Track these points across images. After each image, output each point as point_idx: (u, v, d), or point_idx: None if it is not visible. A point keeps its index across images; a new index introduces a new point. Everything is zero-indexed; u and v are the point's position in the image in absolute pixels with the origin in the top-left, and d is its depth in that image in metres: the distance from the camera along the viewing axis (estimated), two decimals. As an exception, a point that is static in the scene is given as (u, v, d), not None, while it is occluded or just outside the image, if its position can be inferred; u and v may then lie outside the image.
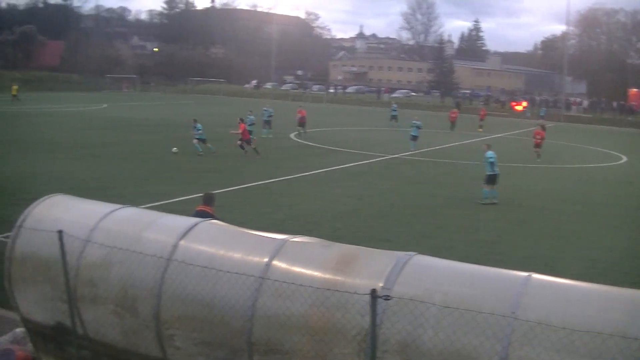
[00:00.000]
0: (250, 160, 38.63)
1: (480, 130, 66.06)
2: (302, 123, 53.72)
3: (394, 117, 68.05)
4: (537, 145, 45.67)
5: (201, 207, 14.46)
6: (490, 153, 29.54)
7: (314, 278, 8.34)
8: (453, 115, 66.86)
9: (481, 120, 70.68)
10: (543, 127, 48.93)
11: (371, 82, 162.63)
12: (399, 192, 30.80)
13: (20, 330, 12.39)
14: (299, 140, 50.05)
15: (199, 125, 41.63)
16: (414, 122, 47.93)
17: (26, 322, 11.07)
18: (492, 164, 29.18)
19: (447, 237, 22.93)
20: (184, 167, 35.61)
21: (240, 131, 40.63)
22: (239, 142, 40.57)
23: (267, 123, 52.90)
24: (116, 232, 10.11)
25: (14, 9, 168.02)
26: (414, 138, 47.18)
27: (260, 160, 38.87)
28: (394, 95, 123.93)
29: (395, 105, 72.39)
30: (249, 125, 45.20)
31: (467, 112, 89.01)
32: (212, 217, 12.95)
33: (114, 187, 28.87)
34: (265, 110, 53.03)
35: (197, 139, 41.17)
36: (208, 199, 14.79)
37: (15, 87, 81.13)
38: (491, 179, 29.14)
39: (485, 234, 23.67)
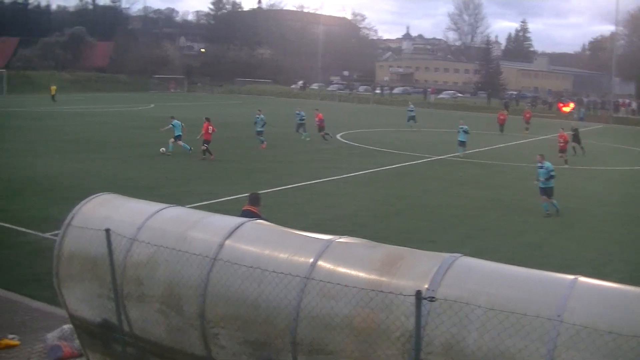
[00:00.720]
0: (290, 161, 38.70)
1: (527, 132, 65.06)
2: (321, 127, 51.31)
3: (411, 118, 65.42)
4: (562, 150, 42.75)
5: (247, 207, 14.49)
6: (549, 164, 27.30)
7: (359, 279, 8.34)
8: (502, 117, 65.53)
9: (527, 122, 68.49)
10: (575, 130, 47.91)
11: (417, 83, 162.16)
12: (445, 193, 30.69)
13: (67, 326, 12.55)
14: (345, 141, 50.01)
15: (174, 122, 41.02)
16: (461, 126, 44.77)
17: (73, 319, 11.18)
18: (552, 177, 27.09)
19: (492, 239, 22.83)
20: (230, 167, 35.80)
21: (202, 132, 39.46)
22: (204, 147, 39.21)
23: (301, 126, 51.77)
24: (162, 231, 10.17)
25: (64, 11, 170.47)
26: (462, 144, 44.44)
27: (305, 160, 38.95)
28: (440, 96, 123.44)
29: (412, 106, 68.79)
30: (261, 126, 45.92)
31: (514, 113, 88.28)
32: (258, 217, 12.98)
33: (160, 187, 29.13)
34: (297, 114, 52.45)
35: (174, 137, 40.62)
36: (254, 199, 14.82)
37: (53, 87, 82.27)
38: (547, 192, 27.02)
39: (531, 236, 23.51)
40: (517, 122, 71.96)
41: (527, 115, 70.48)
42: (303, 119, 52.07)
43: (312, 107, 60.73)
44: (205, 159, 38.38)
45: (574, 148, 47.02)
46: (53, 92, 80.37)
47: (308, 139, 49.96)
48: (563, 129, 45.26)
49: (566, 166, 40.93)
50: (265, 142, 44.85)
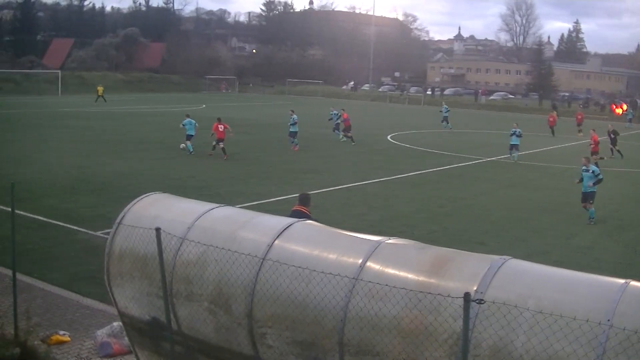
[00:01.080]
0: (343, 161, 38.72)
1: (580, 134, 64.01)
2: (347, 127, 49.98)
3: (445, 119, 64.59)
4: (594, 152, 40.48)
5: (297, 207, 14.54)
6: (596, 168, 26.27)
7: (408, 280, 8.31)
8: (551, 119, 64.63)
9: (579, 124, 66.82)
10: (614, 132, 47.22)
11: (469, 84, 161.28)
12: (495, 195, 30.49)
13: (117, 324, 12.68)
14: (395, 142, 49.88)
15: (186, 121, 41.27)
16: (513, 130, 43.22)
17: (123, 317, 11.29)
18: (600, 180, 26.03)
19: (541, 241, 22.61)
20: (280, 168, 35.91)
21: (212, 131, 40.00)
22: (214, 143, 39.81)
23: (338, 126, 51.52)
24: (212, 230, 10.22)
25: (117, 13, 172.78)
26: (515, 147, 42.77)
27: (355, 161, 38.97)
28: (491, 97, 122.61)
29: (446, 107, 67.49)
30: (292, 124, 44.74)
31: (566, 115, 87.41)
32: (308, 217, 13.02)
33: (210, 187, 29.32)
34: (332, 114, 52.21)
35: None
36: (304, 200, 14.87)
37: (100, 88, 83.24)
38: (589, 196, 26.04)
39: (581, 239, 23.26)
40: (568, 124, 71.30)
41: (579, 117, 69.08)
42: (337, 119, 51.77)
43: (354, 107, 60.75)
44: (211, 155, 39.40)
45: (611, 150, 46.44)
46: (100, 93, 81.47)
47: (344, 139, 49.65)
48: (594, 130, 43.75)
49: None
50: (297, 145, 44.21)
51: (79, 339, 13.36)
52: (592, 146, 42.19)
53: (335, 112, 51.43)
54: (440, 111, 66.24)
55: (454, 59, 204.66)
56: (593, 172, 26.04)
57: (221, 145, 39.28)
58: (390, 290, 8.18)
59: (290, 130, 45.11)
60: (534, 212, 27.28)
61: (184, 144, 40.64)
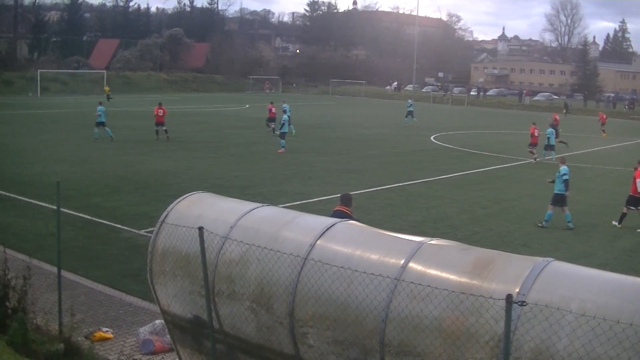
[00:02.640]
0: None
1: (604, 135, 63.10)
2: (271, 118, 51.68)
3: (409, 114, 66.16)
4: (533, 144, 42.85)
5: (339, 208, 14.47)
6: (564, 168, 25.26)
7: (450, 281, 8.28)
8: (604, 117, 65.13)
9: (602, 124, 65.78)
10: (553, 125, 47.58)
11: (513, 85, 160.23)
12: (538, 196, 30.20)
13: (159, 321, 12.79)
14: (438, 143, 49.69)
15: (100, 108, 43.63)
16: (549, 130, 43.57)
17: (165, 314, 11.36)
18: (566, 181, 24.93)
19: (586, 243, 22.42)
20: (323, 167, 35.94)
21: (154, 114, 44.91)
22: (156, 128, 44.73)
23: (409, 113, 52.35)
24: (255, 230, 10.25)
25: (162, 13, 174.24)
26: (551, 147, 42.67)
27: (398, 161, 38.91)
28: (535, 98, 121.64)
29: (410, 101, 70.31)
30: (283, 126, 42.96)
31: (610, 115, 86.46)
32: (350, 217, 12.98)
33: (253, 186, 29.43)
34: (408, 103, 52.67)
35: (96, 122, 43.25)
36: (346, 200, 14.77)
37: (107, 88, 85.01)
38: (559, 200, 24.98)
39: (626, 242, 23.03)
40: (613, 125, 70.54)
41: (603, 117, 67.87)
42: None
43: (398, 107, 60.63)
44: (158, 140, 44.27)
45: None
46: (108, 92, 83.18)
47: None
48: (534, 123, 44.70)
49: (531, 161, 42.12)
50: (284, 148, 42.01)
51: (121, 336, 13.50)
52: (531, 138, 43.38)
53: (410, 101, 51.77)
54: (409, 106, 68.04)
55: (498, 59, 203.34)
56: (560, 171, 25.17)
57: (164, 128, 44.70)
58: (432, 291, 8.16)
59: (282, 131, 43.21)
60: (577, 214, 27.01)
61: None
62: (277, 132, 45.33)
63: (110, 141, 42.04)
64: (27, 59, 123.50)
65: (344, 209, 14.25)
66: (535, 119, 50.65)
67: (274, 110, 52.05)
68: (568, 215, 24.69)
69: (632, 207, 25.42)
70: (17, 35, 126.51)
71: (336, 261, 9.04)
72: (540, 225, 24.60)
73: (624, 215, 25.25)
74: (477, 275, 8.26)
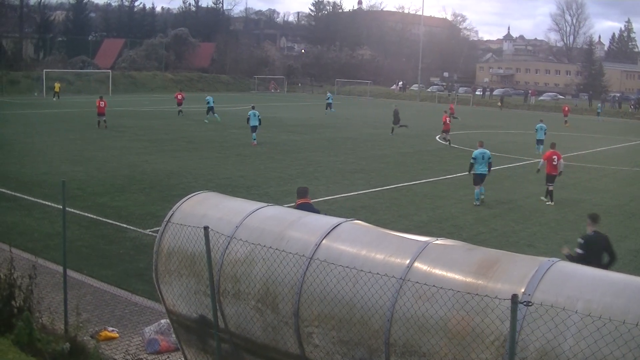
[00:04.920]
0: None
1: (566, 125, 69.43)
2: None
3: (329, 105, 75.22)
4: (446, 130, 49.13)
5: (302, 201, 15.13)
6: (476, 152, 28.85)
7: (455, 281, 8.28)
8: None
9: (565, 116, 74.63)
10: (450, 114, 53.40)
11: (518, 85, 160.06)
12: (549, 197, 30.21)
13: (165, 321, 12.81)
14: (444, 143, 49.64)
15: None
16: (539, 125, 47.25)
17: (171, 314, 11.38)
18: (472, 164, 28.73)
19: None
20: (329, 167, 35.96)
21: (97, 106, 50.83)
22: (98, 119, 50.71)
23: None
24: (260, 229, 10.26)
25: (167, 13, 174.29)
26: (540, 142, 45.81)
27: (404, 161, 38.91)
28: (540, 98, 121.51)
29: (329, 94, 79.90)
30: (255, 118, 45.14)
31: (617, 115, 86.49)
32: (314, 208, 14.22)
33: (258, 186, 29.44)
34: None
35: None
36: (305, 192, 15.57)
37: (57, 85, 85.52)
38: (476, 179, 28.51)
39: (632, 242, 22.97)
40: (619, 124, 70.38)
41: (566, 109, 77.74)
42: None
43: (403, 107, 60.66)
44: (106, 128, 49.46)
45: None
46: (57, 90, 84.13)
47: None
48: (445, 112, 51.77)
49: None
50: (255, 141, 44.81)
51: (127, 336, 13.52)
52: (443, 125, 49.31)
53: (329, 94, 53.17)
54: (329, 98, 77.09)
55: (504, 59, 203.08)
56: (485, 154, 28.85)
57: (103, 119, 50.76)
58: (437, 291, 8.16)
59: (252, 124, 45.39)
60: (583, 214, 26.92)
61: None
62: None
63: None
64: (33, 58, 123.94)
65: (307, 201, 15.15)
66: (542, 118, 50.55)
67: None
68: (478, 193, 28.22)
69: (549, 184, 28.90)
70: (22, 35, 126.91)
71: (341, 261, 9.05)
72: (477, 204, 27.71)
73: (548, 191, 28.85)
74: (483, 275, 8.26)
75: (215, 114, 59.95)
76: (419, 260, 8.75)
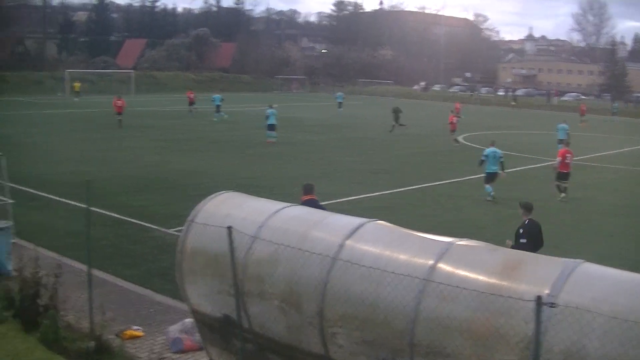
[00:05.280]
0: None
1: (582, 124, 69.20)
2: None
3: (340, 104, 76.46)
4: (452, 131, 49.53)
5: (308, 197, 15.36)
6: (488, 150, 29.64)
7: (479, 282, 8.27)
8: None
9: (582, 115, 74.95)
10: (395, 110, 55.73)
11: (540, 85, 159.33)
12: (568, 197, 30.08)
13: (189, 320, 12.86)
14: (466, 143, 49.53)
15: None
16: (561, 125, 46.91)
17: (195, 313, 11.43)
18: (483, 162, 29.62)
19: (617, 245, 22.23)
20: (350, 168, 35.97)
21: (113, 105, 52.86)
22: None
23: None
24: (284, 229, 10.29)
25: (189, 13, 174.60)
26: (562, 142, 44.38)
27: (426, 162, 38.87)
28: (563, 98, 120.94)
29: (340, 93, 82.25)
30: (267, 118, 45.99)
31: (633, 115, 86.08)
32: (320, 204, 14.48)
33: (281, 186, 29.46)
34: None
35: None
36: (310, 188, 15.85)
37: (77, 84, 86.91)
38: (488, 177, 29.36)
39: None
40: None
41: (582, 109, 78.06)
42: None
43: (425, 107, 60.53)
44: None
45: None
46: (77, 89, 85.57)
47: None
48: (452, 111, 53.48)
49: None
50: (272, 139, 45.42)
51: (151, 334, 13.59)
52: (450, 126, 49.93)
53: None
54: (339, 97, 79.26)
55: (526, 59, 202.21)
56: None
57: (120, 117, 51.92)
58: (461, 292, 8.16)
59: (268, 123, 46.09)
60: (608, 215, 26.89)
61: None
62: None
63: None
64: (56, 59, 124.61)
65: (313, 197, 15.46)
66: (564, 119, 50.31)
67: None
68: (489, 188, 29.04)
69: (560, 181, 29.73)
70: (46, 36, 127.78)
71: (365, 261, 9.06)
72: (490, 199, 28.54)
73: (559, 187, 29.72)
74: (507, 276, 8.25)
75: (222, 113, 61.23)
76: (442, 261, 8.76)
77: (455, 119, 50.25)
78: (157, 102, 77.25)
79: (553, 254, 9.49)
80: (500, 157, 29.40)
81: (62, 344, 11.60)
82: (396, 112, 56.02)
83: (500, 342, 7.82)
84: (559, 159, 30.18)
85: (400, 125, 55.48)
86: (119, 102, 52.50)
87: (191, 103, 65.96)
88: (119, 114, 52.07)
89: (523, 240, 14.93)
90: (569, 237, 22.91)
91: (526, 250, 12.56)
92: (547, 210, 27.27)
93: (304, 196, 15.49)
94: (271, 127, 45.72)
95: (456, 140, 48.92)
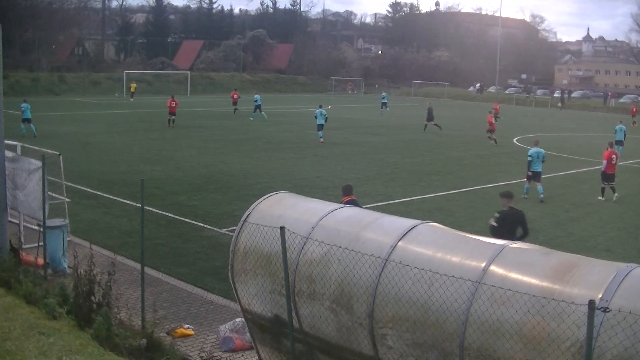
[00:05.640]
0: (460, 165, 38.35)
1: (634, 125, 69.19)
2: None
3: (384, 104, 75.47)
4: (491, 130, 49.37)
5: (348, 198, 15.45)
6: (532, 150, 30.17)
7: (531, 285, 8.20)
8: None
9: (633, 116, 74.22)
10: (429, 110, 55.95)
11: (597, 87, 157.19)
12: (625, 201, 29.67)
13: (239, 320, 12.92)
14: (521, 145, 49.08)
15: (23, 105, 44.88)
16: (618, 126, 46.83)
17: (246, 313, 11.48)
18: (530, 162, 29.77)
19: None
20: (406, 169, 35.89)
21: (168, 105, 53.41)
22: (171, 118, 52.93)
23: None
24: (336, 230, 10.30)
25: (245, 15, 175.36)
26: (619, 143, 45.07)
27: (481, 164, 38.60)
28: (621, 100, 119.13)
29: (384, 94, 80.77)
30: (322, 116, 46.77)
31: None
32: (359, 205, 14.36)
33: (336, 187, 29.38)
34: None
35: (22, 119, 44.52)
36: (350, 189, 15.95)
37: (133, 85, 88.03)
38: (532, 176, 29.77)
39: None
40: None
41: (634, 110, 77.38)
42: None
43: (480, 109, 60.11)
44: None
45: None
46: (133, 90, 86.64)
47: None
48: (490, 112, 53.62)
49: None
50: (321, 139, 46.11)
51: (202, 333, 13.68)
52: (489, 125, 50.00)
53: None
54: (383, 97, 77.26)
55: (582, 60, 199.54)
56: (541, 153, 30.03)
57: (173, 117, 52.92)
58: (513, 295, 8.10)
59: (318, 123, 46.93)
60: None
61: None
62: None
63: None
64: (114, 60, 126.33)
65: (353, 197, 15.58)
66: (622, 119, 49.62)
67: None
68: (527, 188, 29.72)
69: (606, 183, 29.90)
70: (104, 37, 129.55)
71: (417, 263, 9.03)
72: (525, 197, 28.93)
73: (603, 189, 29.91)
74: (559, 279, 8.17)
75: (262, 112, 61.70)
76: (494, 264, 8.70)
77: (493, 119, 50.50)
78: (213, 103, 77.69)
79: (607, 259, 9.37)
80: (544, 157, 29.95)
81: (114, 341, 11.71)
82: (430, 112, 56.79)
83: (551, 346, 7.74)
84: (604, 161, 30.20)
85: (435, 125, 56.13)
86: (173, 103, 53.35)
87: (234, 103, 67.17)
88: (172, 114, 53.02)
89: (494, 224, 15.72)
90: (624, 242, 22.61)
91: (496, 235, 13.76)
92: (603, 214, 26.93)
93: (344, 197, 15.59)
94: (319, 127, 46.47)
95: (494, 141, 48.70)
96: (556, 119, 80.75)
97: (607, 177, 29.83)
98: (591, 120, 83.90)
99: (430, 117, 56.66)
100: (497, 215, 16.01)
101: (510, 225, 15.61)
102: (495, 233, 14.70)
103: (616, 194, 29.55)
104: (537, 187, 29.24)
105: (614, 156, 30.04)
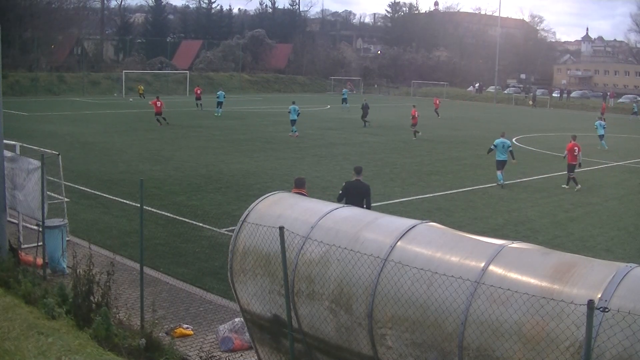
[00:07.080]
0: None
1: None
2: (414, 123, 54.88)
3: (344, 100, 78.79)
4: (414, 124, 51.46)
5: (297, 190, 15.30)
6: (497, 140, 32.80)
7: (530, 285, 8.21)
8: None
9: (602, 113, 72.99)
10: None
11: (596, 87, 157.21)
12: (623, 201, 29.70)
13: (239, 319, 12.93)
14: (521, 145, 49.09)
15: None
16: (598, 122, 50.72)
17: (245, 313, 11.48)
18: (492, 149, 33.02)
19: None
20: (404, 169, 35.88)
21: (153, 105, 54.61)
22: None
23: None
24: (335, 230, 10.30)
25: (244, 15, 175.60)
26: (601, 137, 50.07)
27: (480, 164, 38.59)
28: (620, 100, 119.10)
29: (345, 90, 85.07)
30: (294, 112, 49.59)
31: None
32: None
33: (334, 187, 29.41)
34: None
35: None
36: (302, 182, 15.94)
37: (141, 87, 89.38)
38: (498, 164, 32.32)
39: None
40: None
41: (603, 107, 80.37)
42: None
43: (480, 109, 60.23)
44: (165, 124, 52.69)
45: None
46: (141, 92, 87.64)
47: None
48: (414, 106, 56.09)
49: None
50: (296, 133, 49.21)
51: (201, 333, 13.69)
52: (412, 120, 51.84)
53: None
54: (344, 93, 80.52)
55: (582, 60, 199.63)
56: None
57: (162, 117, 53.61)
58: (512, 295, 8.10)
59: (291, 118, 50.02)
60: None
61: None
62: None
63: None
64: (113, 59, 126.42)
65: (302, 191, 15.39)
66: (620, 121, 49.69)
67: None
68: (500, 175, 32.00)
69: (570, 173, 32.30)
70: (103, 37, 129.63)
71: (416, 263, 9.04)
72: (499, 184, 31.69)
73: (569, 179, 32.22)
74: (559, 279, 8.17)
75: (219, 109, 65.27)
76: (494, 264, 8.70)
77: (416, 114, 51.91)
78: (213, 103, 77.54)
79: (606, 259, 9.38)
80: (509, 147, 32.44)
81: (113, 341, 11.72)
82: (365, 108, 59.35)
83: (550, 346, 7.74)
84: (566, 152, 33.07)
85: (365, 120, 58.94)
86: (159, 103, 54.36)
87: (198, 98, 70.87)
88: (159, 114, 54.05)
89: (340, 192, 17.78)
90: (624, 242, 22.61)
91: (340, 201, 16.06)
92: (603, 214, 26.94)
93: (294, 189, 15.61)
94: (293, 123, 49.91)
95: (414, 133, 51.09)
96: (556, 119, 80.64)
97: (570, 167, 32.40)
98: (590, 120, 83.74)
99: (365, 114, 59.34)
100: (343, 184, 17.97)
101: (356, 195, 17.30)
102: (340, 200, 16.87)
103: (579, 186, 31.51)
104: (498, 173, 32.05)
105: (576, 148, 32.42)
